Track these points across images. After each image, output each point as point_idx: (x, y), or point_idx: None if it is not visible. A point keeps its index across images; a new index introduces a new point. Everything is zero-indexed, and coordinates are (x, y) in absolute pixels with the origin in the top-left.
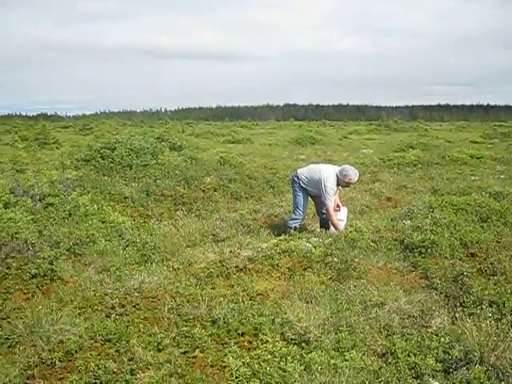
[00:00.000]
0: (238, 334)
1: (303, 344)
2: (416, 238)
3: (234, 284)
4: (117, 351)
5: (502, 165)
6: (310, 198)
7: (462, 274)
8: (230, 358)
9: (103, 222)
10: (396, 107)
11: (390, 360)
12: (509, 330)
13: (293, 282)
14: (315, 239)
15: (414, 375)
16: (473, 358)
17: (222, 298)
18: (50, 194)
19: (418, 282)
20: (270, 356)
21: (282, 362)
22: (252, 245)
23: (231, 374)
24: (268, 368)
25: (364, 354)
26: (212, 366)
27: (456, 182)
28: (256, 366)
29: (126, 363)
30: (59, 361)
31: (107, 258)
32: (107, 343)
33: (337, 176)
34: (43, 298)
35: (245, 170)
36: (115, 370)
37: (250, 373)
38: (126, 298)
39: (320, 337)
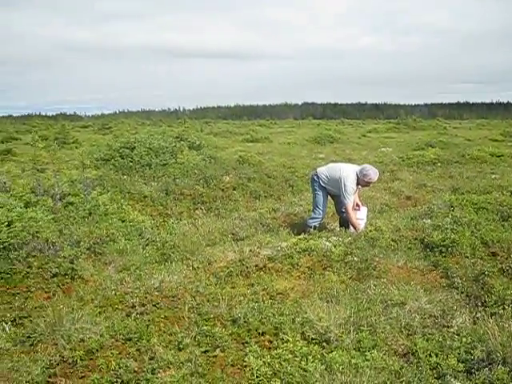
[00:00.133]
0: (259, 333)
1: (324, 343)
2: (436, 237)
3: (254, 283)
4: (137, 350)
5: None
6: (329, 197)
7: (483, 273)
8: (251, 357)
9: (123, 221)
10: (415, 105)
11: (411, 360)
12: None
13: (313, 281)
14: (335, 238)
15: (435, 375)
16: (495, 358)
17: (242, 297)
18: (70, 194)
19: (438, 281)
20: (290, 355)
21: (302, 362)
22: (271, 244)
23: (252, 373)
24: (289, 367)
25: (385, 354)
26: (232, 366)
27: (476, 180)
28: (277, 366)
29: (147, 362)
30: (80, 359)
31: (127, 257)
32: (128, 342)
33: (357, 175)
34: (64, 297)
35: (264, 169)
36: (136, 368)
37: (270, 372)
38: (146, 297)
39: (341, 336)
